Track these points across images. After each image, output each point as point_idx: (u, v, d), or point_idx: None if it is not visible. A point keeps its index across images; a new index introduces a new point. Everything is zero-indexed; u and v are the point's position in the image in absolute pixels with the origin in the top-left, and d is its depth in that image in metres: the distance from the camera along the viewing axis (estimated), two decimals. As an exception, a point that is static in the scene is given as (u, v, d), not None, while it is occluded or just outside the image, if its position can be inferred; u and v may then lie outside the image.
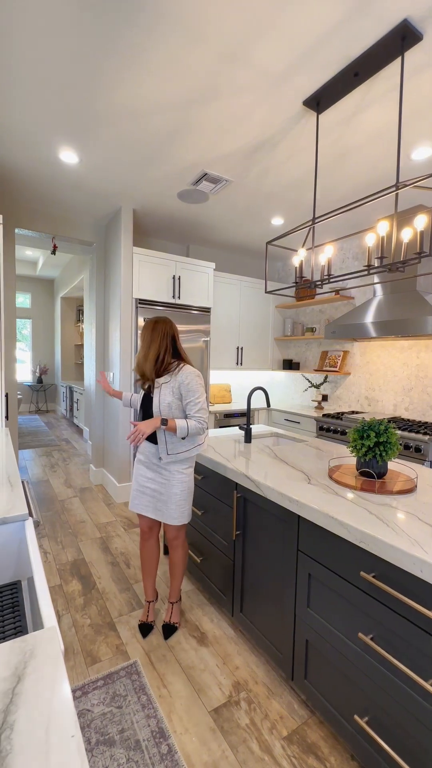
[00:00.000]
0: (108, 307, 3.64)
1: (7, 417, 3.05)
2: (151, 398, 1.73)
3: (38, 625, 0.79)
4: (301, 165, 2.46)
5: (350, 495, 1.38)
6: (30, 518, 1.26)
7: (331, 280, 1.78)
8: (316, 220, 1.82)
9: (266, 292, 2.04)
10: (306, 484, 1.50)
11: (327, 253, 1.80)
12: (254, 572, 1.64)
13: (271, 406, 4.22)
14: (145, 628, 1.79)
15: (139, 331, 1.65)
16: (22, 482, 1.71)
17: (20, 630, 1.02)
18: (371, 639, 1.12)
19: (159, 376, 1.73)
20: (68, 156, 2.40)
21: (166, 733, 1.30)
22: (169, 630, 1.78)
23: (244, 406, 4.26)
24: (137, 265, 3.24)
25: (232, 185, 2.75)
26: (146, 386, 1.78)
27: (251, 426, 2.70)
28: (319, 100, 1.84)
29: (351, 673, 1.19)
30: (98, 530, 2.81)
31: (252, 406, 4.23)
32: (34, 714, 0.54)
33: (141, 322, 3.30)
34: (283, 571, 1.46)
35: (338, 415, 3.37)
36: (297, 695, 1.47)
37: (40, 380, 8.48)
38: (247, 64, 1.65)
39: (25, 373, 8.74)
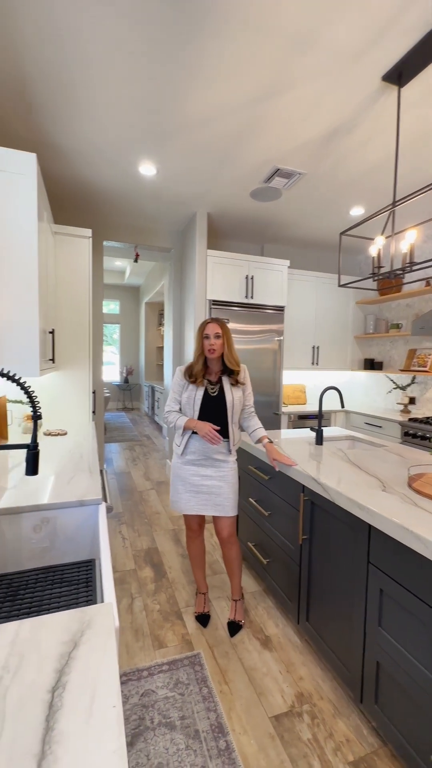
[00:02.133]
0: (183, 309, 3.79)
1: (94, 412, 3.37)
2: (212, 396, 1.75)
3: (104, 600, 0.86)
4: (380, 148, 2.27)
5: None
6: (103, 503, 1.36)
7: (414, 268, 1.60)
8: (397, 203, 1.66)
9: (339, 285, 1.93)
10: (380, 492, 1.37)
11: (409, 239, 1.63)
12: (321, 580, 1.55)
13: (351, 409, 3.97)
14: (204, 618, 1.83)
15: (222, 340, 1.71)
16: (101, 471, 1.86)
17: (91, 602, 1.11)
18: (453, 673, 0.98)
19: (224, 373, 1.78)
20: (147, 168, 2.57)
21: (225, 729, 1.30)
22: (234, 628, 1.78)
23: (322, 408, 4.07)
24: (211, 266, 3.32)
25: (305, 178, 2.65)
26: (202, 382, 1.75)
27: (323, 428, 2.57)
28: (401, 72, 1.68)
29: (430, 708, 1.05)
30: (171, 522, 2.94)
31: (329, 408, 4.02)
32: (83, 679, 0.59)
33: (214, 322, 3.37)
34: (352, 583, 1.36)
35: (428, 420, 3.03)
36: (367, 720, 1.36)
37: (126, 380, 9.20)
38: (318, 48, 1.57)
39: (114, 374, 9.57)
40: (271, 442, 1.83)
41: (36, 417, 0.99)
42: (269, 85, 1.79)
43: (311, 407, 4.14)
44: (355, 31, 1.49)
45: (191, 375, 1.77)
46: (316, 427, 2.16)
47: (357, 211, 3.20)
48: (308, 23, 1.46)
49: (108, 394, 6.61)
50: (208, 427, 1.66)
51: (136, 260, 3.82)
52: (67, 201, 3.17)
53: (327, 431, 2.54)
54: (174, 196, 3.01)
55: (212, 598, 2.01)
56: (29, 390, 0.99)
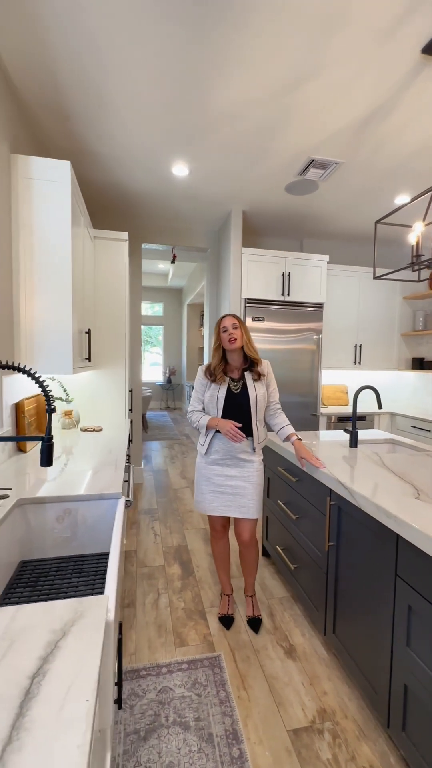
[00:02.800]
0: (219, 308, 3.79)
1: (131, 410, 3.47)
2: (235, 393, 1.72)
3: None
4: (423, 129, 2.09)
5: (469, 519, 1.10)
6: (122, 497, 1.39)
7: (457, 255, 1.45)
8: (438, 186, 1.52)
9: (375, 278, 1.81)
10: (412, 499, 1.26)
11: (451, 223, 1.49)
12: (348, 591, 1.46)
13: (397, 411, 3.72)
14: (228, 620, 1.80)
15: (240, 331, 1.68)
16: (128, 466, 1.90)
17: (100, 593, 1.13)
18: None
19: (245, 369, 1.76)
20: (179, 169, 2.59)
21: (240, 737, 1.26)
22: (256, 623, 1.78)
23: (363, 409, 3.87)
24: (246, 264, 3.28)
25: (342, 167, 2.53)
26: (223, 378, 1.74)
27: (360, 430, 2.43)
28: (444, 42, 1.54)
29: (460, 743, 0.94)
30: (203, 521, 2.94)
31: (373, 410, 3.80)
32: (64, 669, 0.59)
33: (249, 321, 3.33)
34: (379, 596, 1.26)
35: None
36: (395, 747, 1.25)
37: (169, 380, 9.40)
38: (348, 27, 1.49)
39: (157, 374, 9.83)
40: (300, 440, 1.76)
41: (50, 410, 1.03)
42: (297, 73, 1.72)
43: (379, 409, 3.94)
44: (388, 2, 1.39)
45: (211, 373, 1.75)
46: (350, 429, 2.04)
47: (402, 200, 3.00)
48: (332, 0, 1.38)
49: (149, 393, 6.80)
50: (230, 425, 1.63)
51: (173, 261, 3.88)
52: (107, 206, 3.29)
53: (364, 433, 2.39)
54: (208, 196, 3.01)
55: (237, 600, 1.97)
56: (44, 385, 1.02)
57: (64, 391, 2.61)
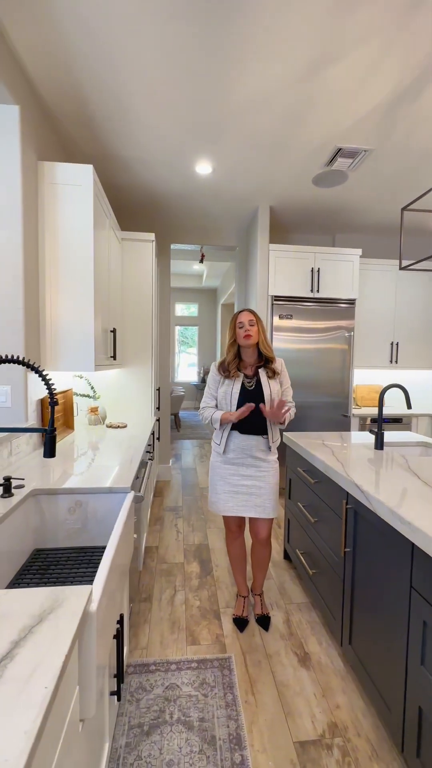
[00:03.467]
0: (247, 307, 3.74)
1: (158, 408, 3.53)
2: (249, 390, 1.69)
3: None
4: (463, 105, 1.93)
5: None
6: (131, 492, 1.40)
7: None
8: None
9: (401, 269, 1.69)
10: (433, 506, 1.16)
11: None
12: (364, 600, 1.37)
13: (437, 413, 3.47)
14: (242, 623, 1.77)
15: (257, 327, 1.64)
16: (143, 462, 1.93)
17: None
18: None
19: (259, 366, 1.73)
20: (202, 167, 2.59)
21: (243, 743, 1.23)
22: (265, 621, 1.78)
23: (399, 411, 3.65)
24: (273, 261, 3.21)
25: (373, 155, 2.40)
26: (236, 374, 1.72)
27: (391, 432, 2.29)
28: None
29: None
30: (226, 521, 2.91)
31: (411, 411, 3.58)
32: (32, 655, 0.59)
33: (277, 320, 3.26)
34: (393, 609, 1.17)
35: None
36: (412, 774, 1.15)
37: (203, 380, 9.46)
38: (366, 4, 1.40)
39: (192, 375, 9.93)
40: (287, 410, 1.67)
41: (53, 404, 1.06)
42: (316, 58, 1.66)
43: (389, 410, 3.74)
44: (410, -28, 1.29)
45: (225, 368, 1.73)
46: (376, 430, 1.93)
47: (441, 186, 2.79)
48: (351, -24, 1.31)
49: (182, 393, 6.87)
50: (243, 408, 1.60)
51: (201, 260, 3.90)
52: (135, 208, 3.37)
53: (395, 435, 2.25)
54: (233, 192, 2.99)
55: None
56: (47, 379, 1.05)
57: (92, 388, 2.70)
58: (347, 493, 1.48)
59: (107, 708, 1.08)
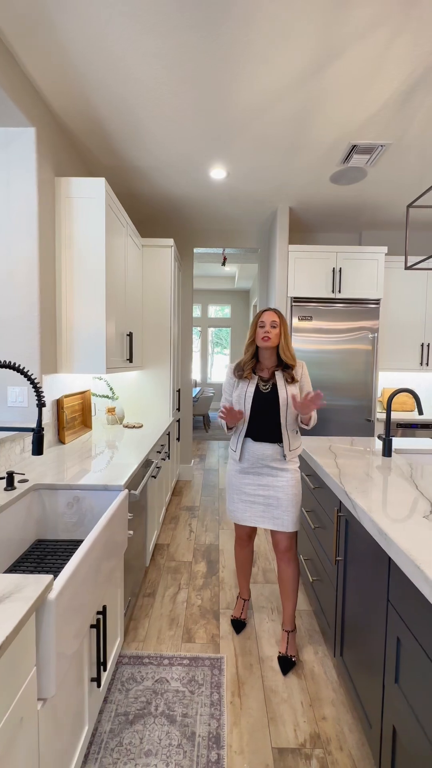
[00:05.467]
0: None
1: (179, 408, 3.60)
2: (264, 393, 1.61)
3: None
4: None
5: (473, 546, 0.93)
6: (125, 491, 1.46)
7: None
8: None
9: (406, 268, 1.61)
10: (419, 518, 1.11)
11: None
12: (352, 611, 1.33)
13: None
14: (239, 624, 1.77)
15: (279, 330, 1.55)
16: (147, 461, 1.99)
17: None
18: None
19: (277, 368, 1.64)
20: (217, 172, 2.62)
21: (222, 742, 1.24)
22: (287, 664, 1.56)
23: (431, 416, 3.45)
24: (293, 262, 3.17)
25: (391, 149, 2.30)
26: (251, 375, 1.65)
27: (408, 438, 2.19)
28: None
29: (438, 806, 0.81)
30: (240, 523, 2.92)
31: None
32: (-22, 633, 0.66)
33: (296, 321, 3.22)
34: (374, 624, 1.13)
35: None
36: (392, 796, 1.11)
37: (235, 381, 9.49)
38: (365, -3, 1.36)
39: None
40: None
41: (40, 405, 1.14)
42: (318, 53, 1.63)
43: (422, 416, 3.54)
44: (404, -39, 1.24)
45: (240, 370, 1.66)
46: (384, 436, 1.85)
47: (472, 177, 2.61)
48: (342, -28, 1.28)
49: (212, 394, 6.93)
50: (235, 411, 1.54)
51: (223, 264, 3.93)
52: (156, 215, 3.47)
53: (409, 442, 2.15)
54: (250, 195, 2.99)
55: (256, 607, 1.93)
56: (35, 381, 1.14)
57: (110, 389, 2.83)
58: (340, 501, 1.44)
59: (86, 693, 1.14)
